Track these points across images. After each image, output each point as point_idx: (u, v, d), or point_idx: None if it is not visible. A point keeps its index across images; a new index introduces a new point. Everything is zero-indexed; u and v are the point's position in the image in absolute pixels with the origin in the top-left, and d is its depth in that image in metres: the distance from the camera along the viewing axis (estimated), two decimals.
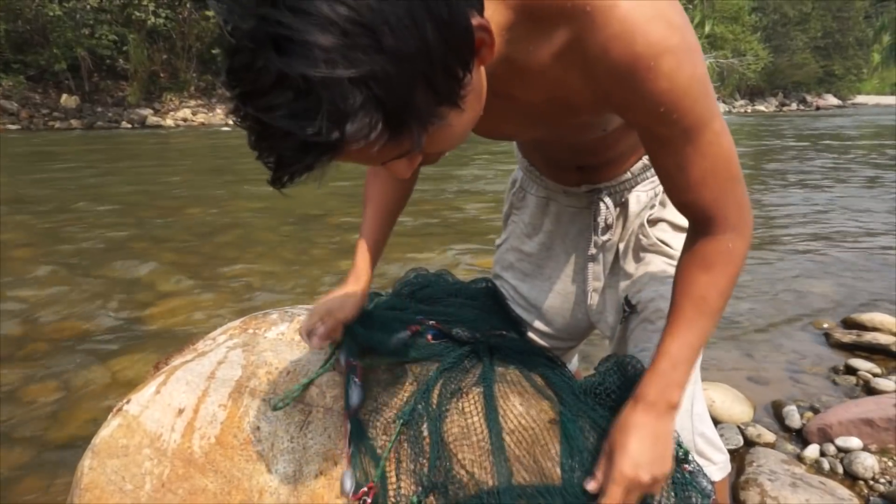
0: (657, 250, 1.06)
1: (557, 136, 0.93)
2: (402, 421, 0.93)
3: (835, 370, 2.31)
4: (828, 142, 12.11)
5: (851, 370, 2.27)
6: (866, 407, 1.80)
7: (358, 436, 0.94)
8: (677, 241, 1.04)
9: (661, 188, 1.05)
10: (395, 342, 1.03)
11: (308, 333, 0.98)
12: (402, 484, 0.88)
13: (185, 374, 1.12)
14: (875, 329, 2.60)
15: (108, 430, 1.06)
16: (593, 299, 1.12)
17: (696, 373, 1.06)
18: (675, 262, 1.03)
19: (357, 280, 1.02)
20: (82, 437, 1.80)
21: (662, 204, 1.06)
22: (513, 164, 1.27)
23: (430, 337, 1.06)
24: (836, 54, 32.38)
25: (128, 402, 1.11)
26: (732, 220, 0.77)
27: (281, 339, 1.18)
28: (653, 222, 1.07)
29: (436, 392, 0.97)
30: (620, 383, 0.94)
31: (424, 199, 5.68)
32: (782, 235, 4.50)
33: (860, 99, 35.86)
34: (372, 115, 0.49)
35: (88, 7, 15.74)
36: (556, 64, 0.70)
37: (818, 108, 29.76)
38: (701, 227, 0.79)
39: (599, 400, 0.94)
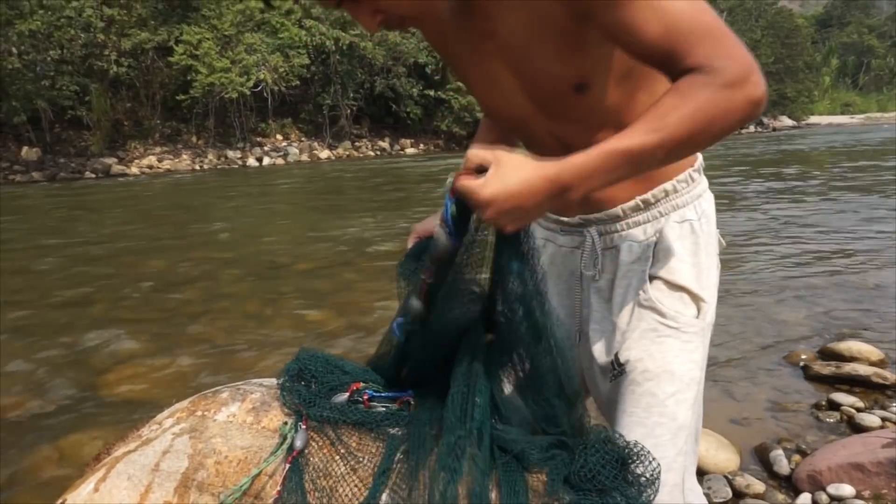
0: (651, 306, 1.00)
1: (537, 94, 0.93)
2: None
3: (817, 406, 2.26)
4: (789, 162, 12.45)
5: (834, 405, 2.23)
6: (854, 449, 1.75)
7: (294, 479, 0.88)
8: (670, 300, 1.00)
9: (653, 239, 1.01)
10: (333, 405, 0.96)
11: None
12: None
13: (127, 468, 1.01)
14: (853, 359, 2.58)
15: None
16: (584, 332, 1.07)
17: (688, 444, 0.99)
18: (667, 322, 0.99)
19: None
20: None
21: (657, 258, 1.01)
22: None
23: (366, 399, 0.97)
24: (787, 78, 33.69)
25: (62, 503, 0.99)
26: (719, 63, 0.72)
27: (232, 422, 1.08)
28: (649, 279, 1.02)
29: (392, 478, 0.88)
30: (605, 463, 0.86)
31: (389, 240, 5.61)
32: (751, 262, 4.53)
33: (813, 119, 37.26)
34: None
35: (49, 59, 15.59)
36: None
37: (774, 130, 30.87)
38: (686, 71, 0.74)
39: (581, 484, 0.86)
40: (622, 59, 0.86)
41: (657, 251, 1.01)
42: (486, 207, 0.74)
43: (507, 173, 0.74)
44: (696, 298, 1.00)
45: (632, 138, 0.72)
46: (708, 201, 1.05)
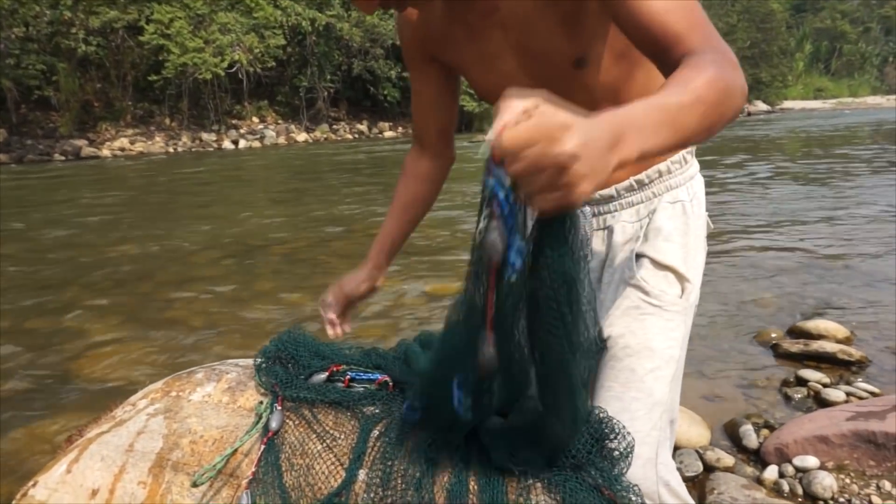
0: (636, 284, 1.01)
1: (537, 71, 0.92)
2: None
3: (786, 383, 2.32)
4: (761, 146, 12.61)
5: (802, 381, 2.29)
6: (820, 423, 1.80)
7: (269, 458, 0.89)
8: (656, 279, 1.00)
9: (646, 221, 1.01)
10: (312, 385, 0.99)
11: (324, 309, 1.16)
12: None
13: (101, 448, 1.01)
14: (821, 336, 2.65)
15: None
16: None
17: (663, 420, 1.01)
18: (651, 300, 1.00)
19: (364, 264, 1.17)
20: None
21: (646, 237, 1.03)
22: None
23: (347, 380, 1.00)
24: (762, 63, 34.06)
25: (34, 484, 0.99)
26: (717, 46, 0.73)
27: (207, 402, 1.08)
28: (636, 257, 1.03)
29: (368, 459, 0.89)
30: (583, 440, 0.87)
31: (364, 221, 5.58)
32: (722, 244, 4.60)
33: (787, 104, 37.72)
34: None
35: (13, 36, 15.10)
36: None
37: (750, 114, 31.21)
38: (680, 58, 0.72)
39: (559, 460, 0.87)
40: (620, 36, 0.86)
41: (648, 230, 1.02)
42: (571, 163, 0.53)
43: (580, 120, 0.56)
44: (681, 278, 1.01)
45: (667, 97, 0.64)
46: (699, 183, 1.07)
